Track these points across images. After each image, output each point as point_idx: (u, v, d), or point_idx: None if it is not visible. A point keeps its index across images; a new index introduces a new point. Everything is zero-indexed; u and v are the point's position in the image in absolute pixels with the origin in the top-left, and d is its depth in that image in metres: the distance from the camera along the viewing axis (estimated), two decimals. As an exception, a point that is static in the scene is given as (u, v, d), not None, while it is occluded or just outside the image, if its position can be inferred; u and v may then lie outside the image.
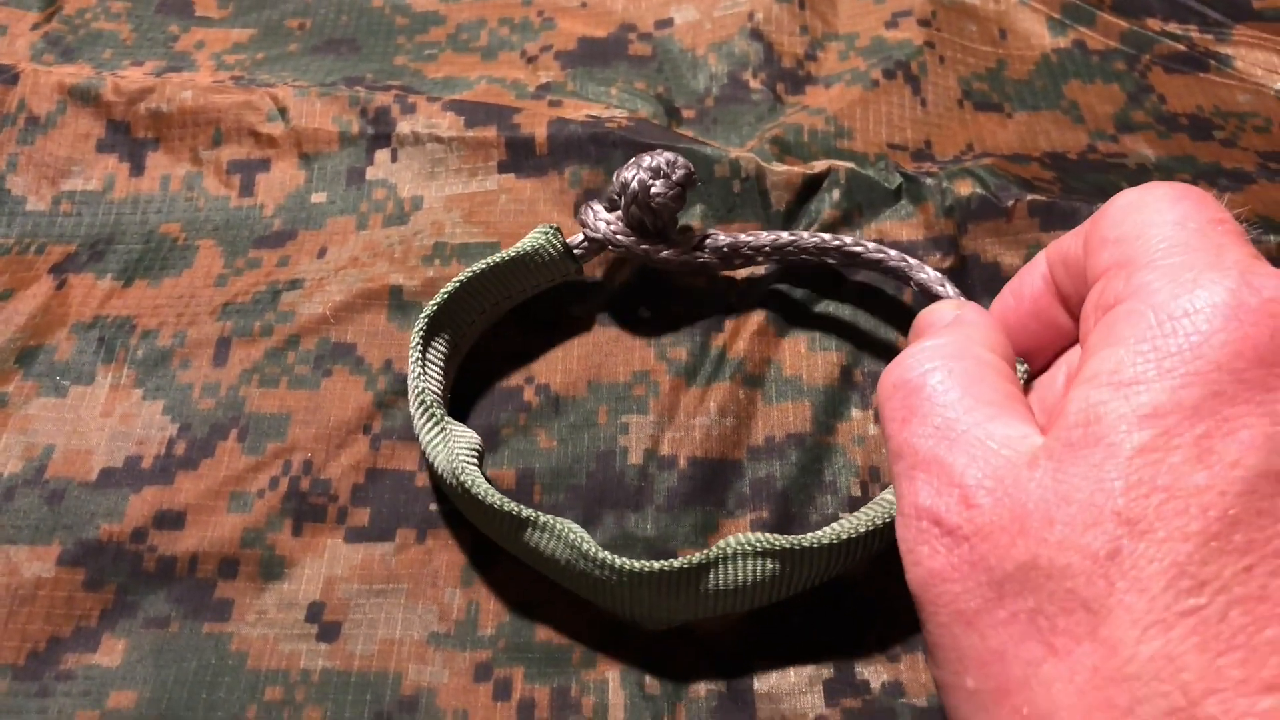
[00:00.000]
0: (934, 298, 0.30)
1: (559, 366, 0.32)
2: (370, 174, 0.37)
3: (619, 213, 0.32)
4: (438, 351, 0.30)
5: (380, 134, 0.37)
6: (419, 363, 0.29)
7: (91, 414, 0.32)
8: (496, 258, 0.31)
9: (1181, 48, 0.41)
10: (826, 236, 0.31)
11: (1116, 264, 0.20)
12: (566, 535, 0.26)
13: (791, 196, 0.34)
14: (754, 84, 0.39)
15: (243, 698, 0.27)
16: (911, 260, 0.30)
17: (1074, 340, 0.24)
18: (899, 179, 0.34)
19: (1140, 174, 0.36)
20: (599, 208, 0.32)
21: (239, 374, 0.32)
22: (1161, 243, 0.19)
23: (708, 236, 0.32)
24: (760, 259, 0.32)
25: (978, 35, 0.41)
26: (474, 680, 0.27)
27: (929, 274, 0.30)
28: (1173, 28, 0.41)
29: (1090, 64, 0.40)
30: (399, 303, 0.33)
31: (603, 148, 0.35)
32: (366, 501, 0.30)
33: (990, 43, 0.41)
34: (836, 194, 0.34)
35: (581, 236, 0.32)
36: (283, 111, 0.38)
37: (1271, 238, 0.32)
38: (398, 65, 0.41)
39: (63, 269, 0.35)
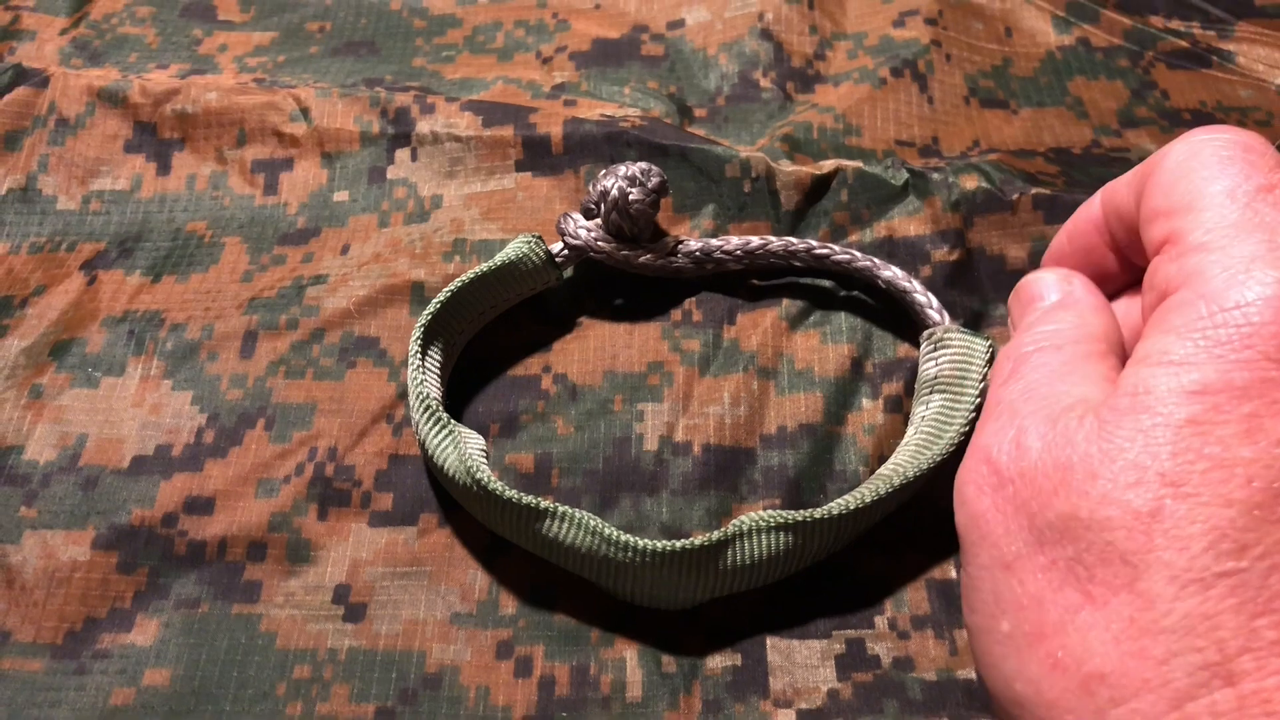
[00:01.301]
0: (902, 293, 0.32)
1: (576, 357, 0.33)
2: (391, 173, 0.38)
3: (597, 220, 0.33)
4: (434, 358, 0.31)
5: (400, 134, 0.38)
6: (420, 369, 0.30)
7: (123, 404, 0.33)
8: (483, 267, 0.32)
9: (1184, 44, 0.41)
10: (794, 240, 0.33)
11: (1169, 240, 0.20)
12: (586, 522, 0.27)
13: (801, 196, 0.35)
14: (764, 83, 0.40)
15: (272, 675, 0.28)
16: (876, 260, 0.32)
17: (1123, 284, 0.25)
18: (905, 175, 0.35)
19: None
20: (578, 216, 0.34)
21: (266, 366, 0.33)
22: (1211, 221, 0.19)
23: (681, 242, 0.33)
24: (732, 263, 0.33)
25: (983, 33, 0.42)
26: (496, 658, 0.28)
27: (895, 272, 0.32)
28: (1176, 25, 0.42)
29: (1095, 61, 0.41)
30: (420, 297, 0.34)
31: (617, 147, 0.36)
32: (389, 487, 0.31)
33: (996, 40, 0.42)
34: (845, 193, 0.35)
35: (561, 245, 0.33)
36: (305, 112, 0.39)
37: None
38: (416, 67, 0.42)
39: (93, 265, 0.36)
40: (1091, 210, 0.25)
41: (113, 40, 0.43)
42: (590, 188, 0.33)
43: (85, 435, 0.32)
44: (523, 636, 0.28)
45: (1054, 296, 0.24)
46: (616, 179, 0.33)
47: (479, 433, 0.31)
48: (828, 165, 0.35)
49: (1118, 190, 0.23)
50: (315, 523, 0.30)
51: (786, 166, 0.35)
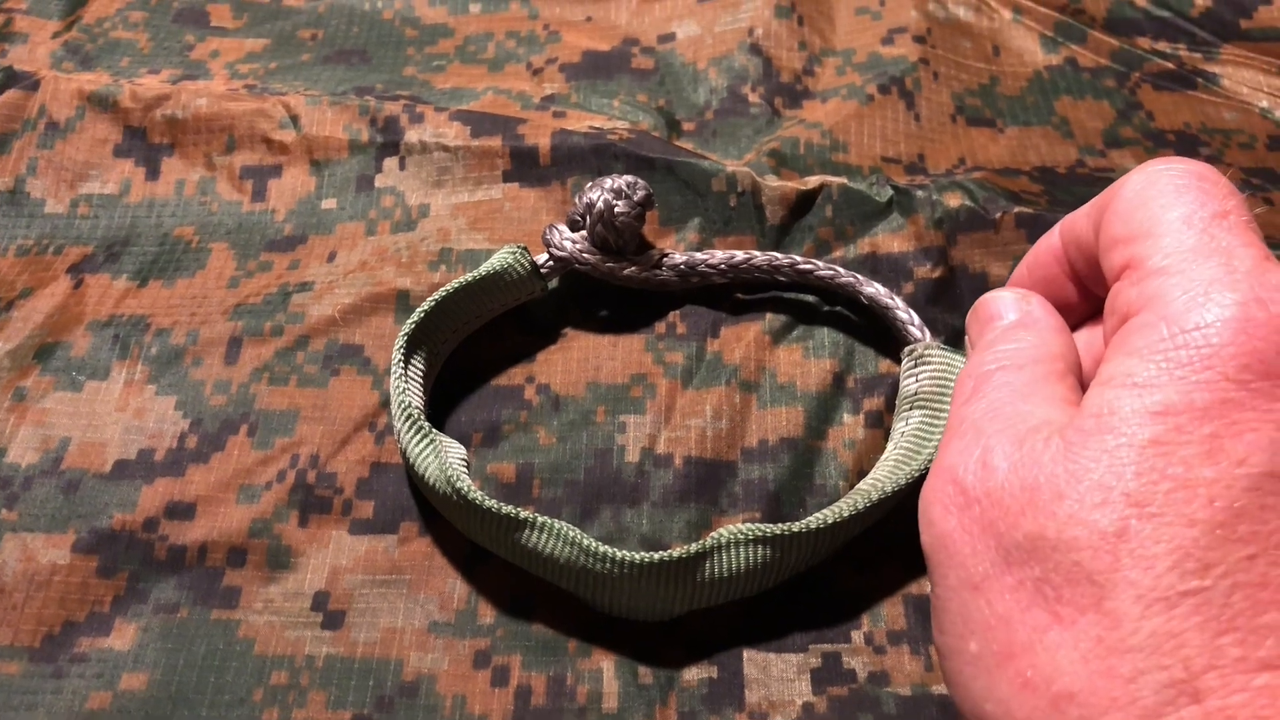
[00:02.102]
0: (884, 310, 0.32)
1: (559, 368, 0.33)
2: (379, 181, 0.38)
3: (583, 232, 0.33)
4: (416, 368, 0.31)
5: (389, 142, 0.38)
6: (402, 378, 0.30)
7: (106, 408, 0.33)
8: (468, 277, 0.32)
9: (1170, 66, 0.42)
10: (779, 255, 0.33)
11: (1128, 265, 0.21)
12: (565, 533, 0.27)
13: (786, 211, 0.35)
14: (753, 98, 0.40)
15: (249, 681, 0.28)
16: (859, 276, 0.32)
17: (1083, 314, 0.25)
18: (889, 192, 0.35)
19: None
20: (563, 228, 0.34)
21: (250, 372, 0.33)
22: (1170, 246, 0.20)
23: (666, 255, 0.34)
24: (716, 276, 0.34)
25: (971, 52, 0.42)
26: (473, 667, 0.28)
27: (877, 288, 0.32)
28: (1162, 46, 0.43)
29: (1081, 81, 0.41)
30: (405, 306, 0.34)
31: (604, 159, 0.36)
32: (371, 495, 0.31)
33: (983, 59, 0.42)
34: (830, 209, 0.35)
35: (547, 256, 0.33)
36: (294, 119, 0.39)
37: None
38: (407, 76, 0.42)
39: (80, 269, 0.37)
40: (1051, 241, 0.25)
41: (105, 45, 0.44)
42: (576, 200, 0.34)
43: (68, 439, 0.32)
44: (500, 646, 0.28)
45: (1012, 316, 0.24)
46: (602, 191, 0.33)
47: (461, 442, 0.31)
48: (813, 181, 0.35)
49: (1077, 221, 0.24)
50: (296, 529, 0.30)
51: (772, 181, 0.35)
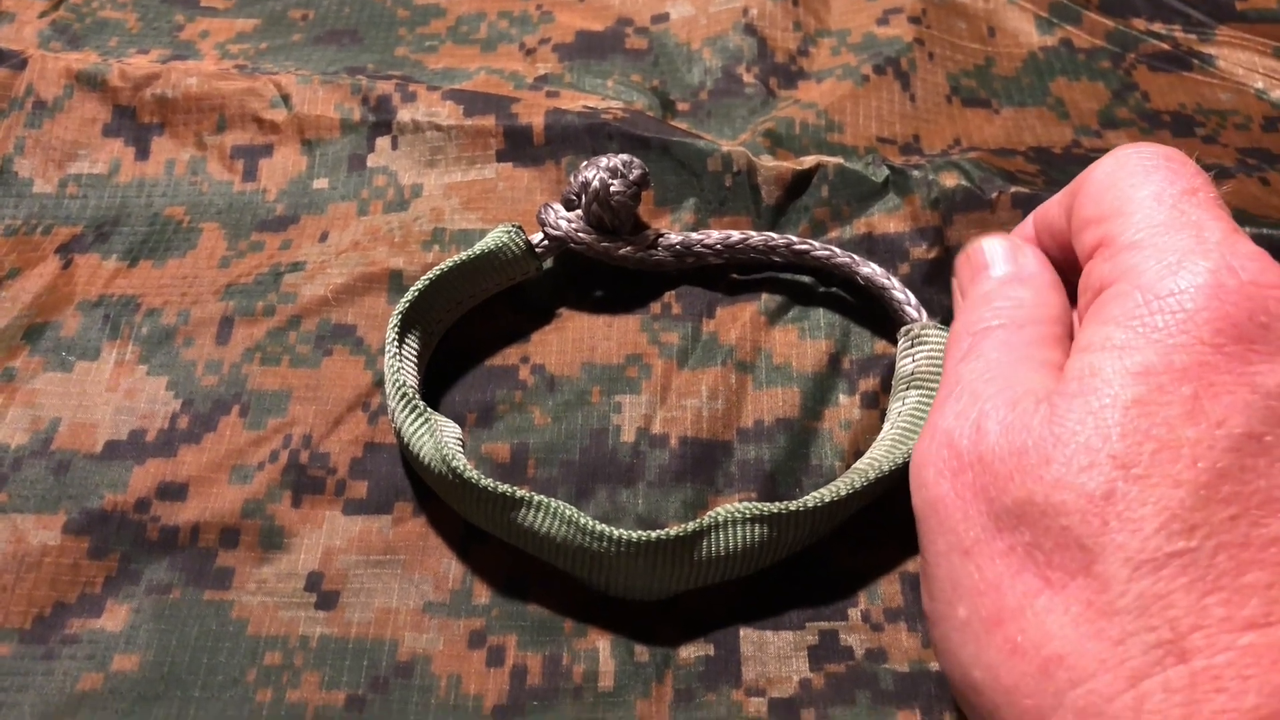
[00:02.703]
0: (880, 290, 0.32)
1: (554, 348, 0.33)
2: (371, 161, 0.37)
3: (578, 211, 0.33)
4: (411, 347, 0.31)
5: (381, 121, 0.38)
6: (396, 358, 0.30)
7: (97, 389, 0.32)
8: (462, 256, 0.32)
9: (1166, 47, 0.42)
10: (775, 236, 0.33)
11: (1101, 243, 0.21)
12: (562, 511, 0.27)
13: (782, 191, 0.35)
14: (747, 78, 0.40)
15: (243, 662, 0.28)
16: (856, 256, 0.32)
17: None
18: (885, 172, 0.35)
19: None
20: (558, 207, 0.34)
21: (241, 352, 0.33)
22: (1141, 222, 0.20)
23: (661, 235, 0.33)
24: (712, 256, 0.33)
25: (967, 33, 0.42)
26: (468, 647, 0.28)
27: (873, 268, 0.32)
28: (1157, 27, 0.42)
29: (1076, 62, 0.41)
30: (398, 286, 0.34)
31: (598, 139, 0.36)
32: (364, 475, 0.31)
33: (979, 40, 0.42)
34: (826, 189, 0.35)
35: (542, 235, 0.33)
36: (285, 98, 0.38)
37: (1248, 231, 0.33)
38: (399, 56, 0.42)
39: (69, 249, 0.36)
40: (1025, 231, 0.25)
41: (93, 24, 0.43)
42: (571, 179, 0.33)
43: (58, 419, 0.32)
44: (495, 626, 0.28)
45: (1006, 268, 0.24)
46: (598, 170, 0.33)
47: (456, 422, 0.30)
48: (809, 161, 0.35)
49: (1049, 209, 0.24)
50: (289, 510, 0.30)
51: (768, 161, 0.35)
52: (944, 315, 0.33)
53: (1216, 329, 0.18)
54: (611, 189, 0.32)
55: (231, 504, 0.30)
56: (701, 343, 0.33)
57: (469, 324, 0.33)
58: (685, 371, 0.32)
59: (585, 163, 0.33)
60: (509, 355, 0.33)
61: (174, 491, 0.30)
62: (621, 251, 0.33)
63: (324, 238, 0.36)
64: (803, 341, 0.33)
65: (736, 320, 0.33)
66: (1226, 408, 0.17)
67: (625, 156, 0.33)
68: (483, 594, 0.29)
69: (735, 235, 0.33)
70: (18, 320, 0.34)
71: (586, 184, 0.33)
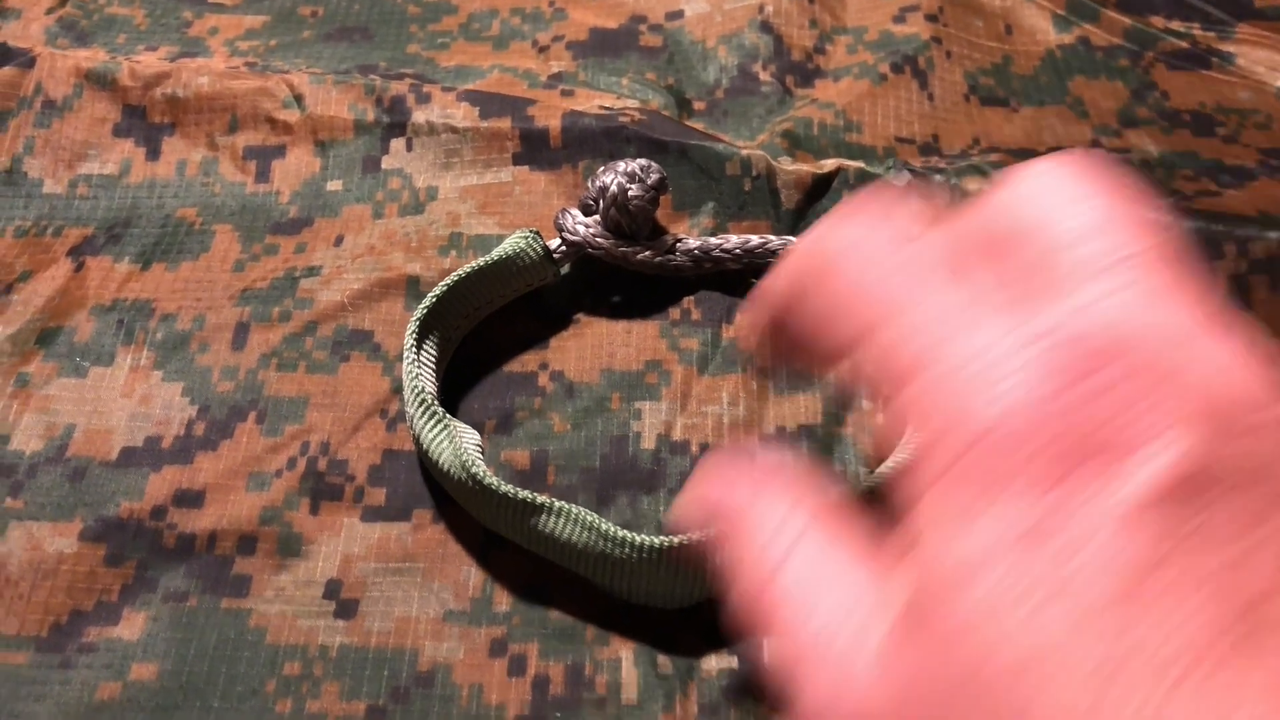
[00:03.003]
0: None
1: (573, 354, 0.33)
2: (386, 163, 0.37)
3: (596, 217, 0.33)
4: (429, 353, 0.31)
5: (395, 123, 0.37)
6: (415, 364, 0.30)
7: (111, 395, 0.32)
8: (480, 262, 0.32)
9: (1184, 45, 0.41)
10: (793, 239, 0.33)
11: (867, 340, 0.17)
12: (584, 518, 0.27)
13: (801, 195, 0.35)
14: (764, 76, 0.40)
15: (262, 672, 0.27)
16: None
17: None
18: (907, 177, 0.35)
19: (1144, 169, 0.36)
20: (576, 212, 0.33)
21: (258, 358, 0.33)
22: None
23: (680, 240, 0.33)
24: (731, 261, 0.33)
25: (984, 31, 0.42)
26: (489, 656, 0.28)
27: None
28: (1176, 25, 0.42)
29: (1095, 60, 0.41)
30: (415, 291, 0.34)
31: (616, 142, 0.36)
32: (383, 482, 0.30)
33: (996, 38, 0.42)
34: (846, 194, 0.35)
35: (559, 240, 0.33)
36: (298, 99, 0.38)
37: (1271, 234, 0.33)
38: (410, 54, 0.41)
39: (80, 251, 0.36)
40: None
41: (100, 20, 0.43)
42: (589, 184, 0.33)
43: (73, 425, 0.32)
44: (517, 634, 0.28)
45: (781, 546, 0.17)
46: (616, 175, 0.32)
47: (475, 429, 0.30)
48: (829, 164, 0.35)
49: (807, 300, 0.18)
50: (307, 517, 0.30)
51: (787, 165, 0.35)
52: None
53: None
54: (630, 193, 0.32)
55: (249, 511, 0.30)
56: (721, 349, 0.33)
57: (488, 330, 0.33)
58: (705, 378, 0.32)
59: (603, 168, 0.33)
60: (528, 362, 0.33)
61: (191, 499, 0.30)
62: (640, 256, 0.33)
63: (339, 241, 0.35)
64: (822, 346, 0.32)
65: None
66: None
67: (643, 161, 0.33)
68: (503, 601, 0.28)
69: (754, 240, 0.33)
70: (31, 324, 0.34)
71: (604, 189, 0.32)
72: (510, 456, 0.31)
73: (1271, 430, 0.14)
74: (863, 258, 0.17)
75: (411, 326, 0.30)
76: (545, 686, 0.27)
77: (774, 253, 0.33)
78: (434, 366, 0.31)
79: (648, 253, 0.33)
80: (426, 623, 0.28)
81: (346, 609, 0.28)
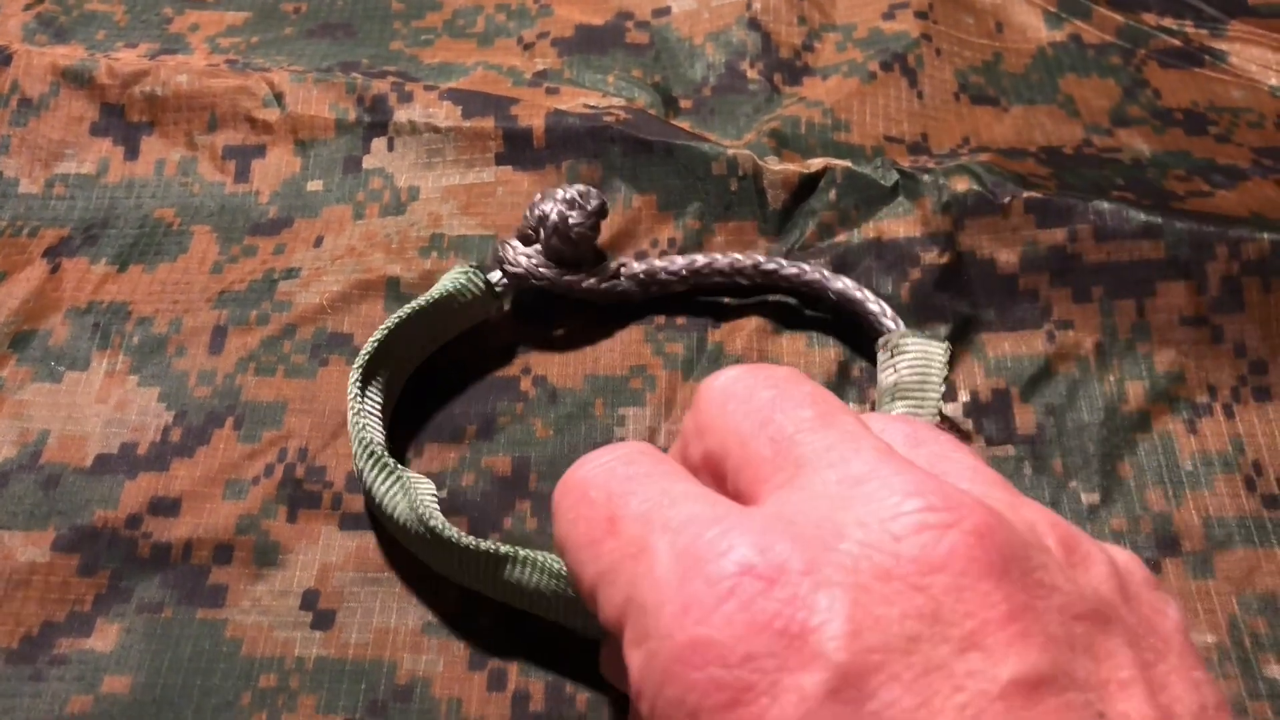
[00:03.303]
0: (854, 304, 0.31)
1: (555, 359, 0.32)
2: (367, 163, 0.36)
3: (537, 246, 0.32)
4: (373, 400, 0.30)
5: (377, 122, 0.37)
6: (359, 414, 0.29)
7: (87, 400, 0.32)
8: (420, 301, 0.31)
9: (1177, 43, 0.41)
10: (740, 257, 0.32)
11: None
12: (549, 565, 0.26)
13: (788, 195, 0.34)
14: (751, 74, 0.39)
15: (237, 685, 0.27)
16: (826, 272, 0.32)
17: None
18: (895, 176, 0.34)
19: (1135, 168, 0.36)
20: (516, 243, 0.32)
21: (235, 362, 0.32)
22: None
23: (624, 265, 0.33)
24: (677, 284, 0.33)
25: (974, 28, 0.41)
26: (469, 670, 0.27)
27: (845, 282, 0.31)
28: (1168, 23, 0.42)
29: (1086, 58, 0.40)
30: (396, 294, 0.33)
31: (600, 142, 0.35)
32: (361, 489, 0.30)
33: (987, 36, 0.41)
34: (833, 193, 0.34)
35: (500, 273, 0.32)
36: (279, 97, 0.37)
37: (1263, 235, 0.32)
38: (394, 50, 0.41)
39: (56, 252, 0.35)
40: None
41: (79, 17, 0.42)
42: (527, 213, 0.32)
43: (47, 432, 0.31)
44: (497, 649, 0.27)
45: None
46: (555, 203, 0.32)
47: (456, 435, 0.30)
48: (816, 164, 0.34)
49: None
50: (284, 525, 0.29)
51: (774, 165, 0.34)
52: (955, 323, 0.32)
53: None
54: (570, 221, 0.31)
55: (225, 519, 0.29)
56: (707, 353, 0.32)
57: (468, 336, 0.32)
58: (690, 383, 0.31)
59: (540, 194, 0.32)
60: (510, 366, 0.32)
61: (166, 507, 0.30)
62: (585, 285, 0.32)
63: (319, 242, 0.35)
64: (810, 350, 0.32)
65: (742, 329, 0.32)
66: None
67: (581, 186, 0.32)
68: (484, 614, 0.28)
69: (700, 260, 0.32)
70: (4, 327, 0.33)
71: (544, 217, 0.32)
72: (491, 462, 0.30)
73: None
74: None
75: (353, 375, 0.29)
76: (525, 702, 0.27)
77: (720, 271, 0.32)
78: (379, 415, 0.30)
79: (592, 280, 0.32)
80: (405, 634, 0.28)
81: (324, 620, 0.28)
